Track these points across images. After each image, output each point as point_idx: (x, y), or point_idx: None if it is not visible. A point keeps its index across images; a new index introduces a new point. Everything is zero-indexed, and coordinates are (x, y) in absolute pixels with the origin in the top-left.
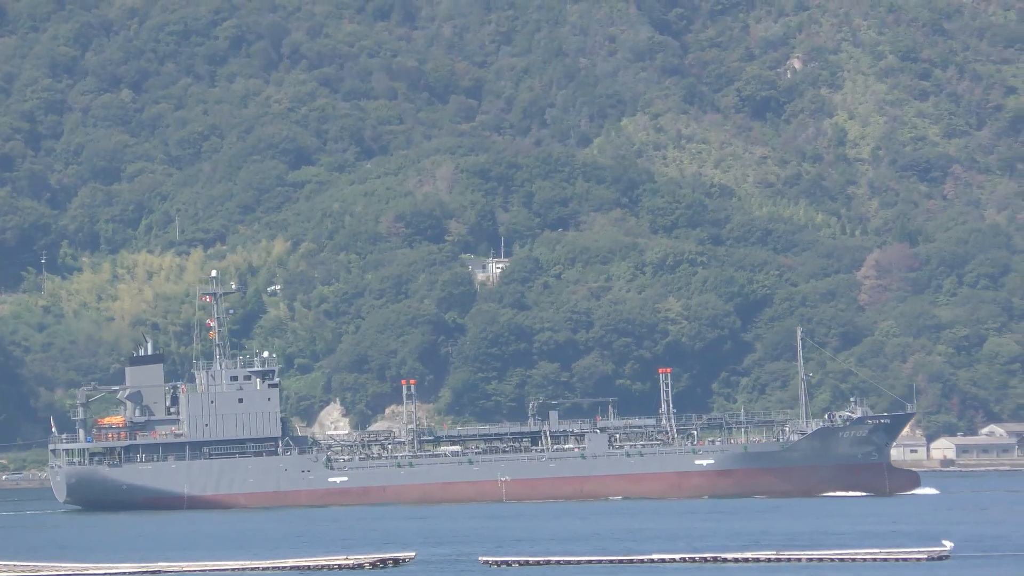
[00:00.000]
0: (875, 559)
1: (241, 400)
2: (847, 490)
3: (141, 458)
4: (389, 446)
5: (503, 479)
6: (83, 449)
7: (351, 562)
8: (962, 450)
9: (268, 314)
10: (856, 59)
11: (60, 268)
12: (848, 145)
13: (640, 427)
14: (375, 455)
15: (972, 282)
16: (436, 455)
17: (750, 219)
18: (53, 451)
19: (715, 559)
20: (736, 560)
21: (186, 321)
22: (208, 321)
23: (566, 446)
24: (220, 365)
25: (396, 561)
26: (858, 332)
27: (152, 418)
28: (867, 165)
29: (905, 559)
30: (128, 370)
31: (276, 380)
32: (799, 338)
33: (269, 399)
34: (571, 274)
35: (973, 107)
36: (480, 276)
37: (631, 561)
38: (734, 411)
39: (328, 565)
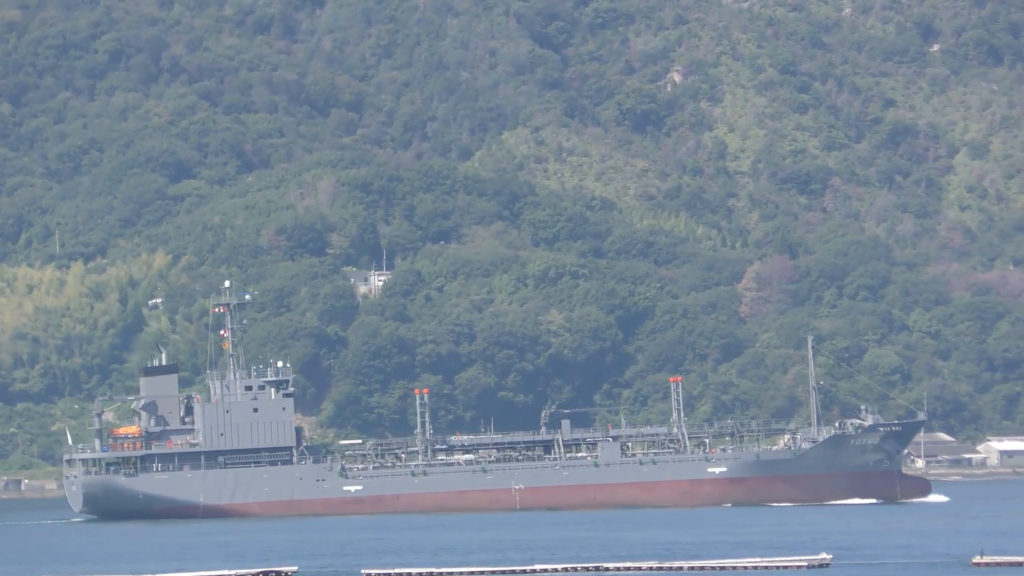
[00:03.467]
0: (756, 567)
1: (256, 410)
2: (859, 497)
3: (157, 467)
4: (403, 455)
5: (516, 487)
6: (99, 459)
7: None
8: None
9: (148, 327)
10: (736, 72)
11: None
12: (728, 158)
13: (652, 435)
14: (389, 464)
15: (852, 294)
16: (450, 464)
17: (631, 232)
18: (68, 461)
19: (596, 568)
20: (617, 569)
21: (66, 335)
22: (222, 332)
23: (579, 454)
24: (234, 375)
25: (278, 574)
26: (739, 344)
27: (167, 428)
28: (747, 178)
29: (785, 567)
30: (143, 380)
31: (290, 390)
32: (810, 346)
33: (284, 409)
34: (453, 287)
35: (852, 120)
36: (362, 289)
37: (512, 571)
38: (745, 420)
39: None
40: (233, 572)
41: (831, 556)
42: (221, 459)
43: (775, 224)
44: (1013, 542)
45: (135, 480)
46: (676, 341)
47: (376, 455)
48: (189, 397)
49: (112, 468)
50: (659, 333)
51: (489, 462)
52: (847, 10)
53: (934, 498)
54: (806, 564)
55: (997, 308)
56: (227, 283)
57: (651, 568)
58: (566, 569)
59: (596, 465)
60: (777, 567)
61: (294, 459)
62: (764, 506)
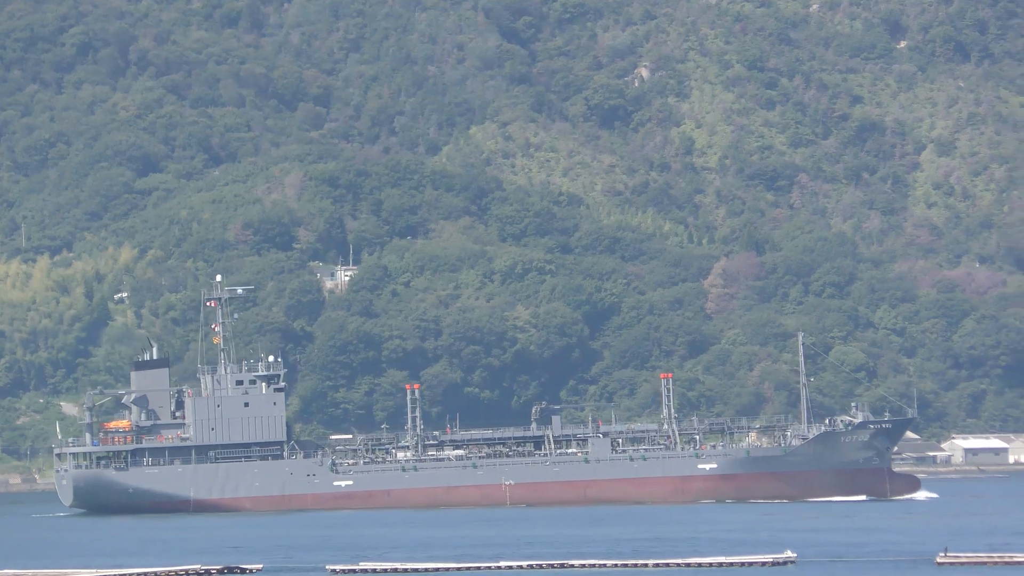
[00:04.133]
0: (721, 564)
1: (247, 404)
2: (848, 494)
3: (147, 462)
4: (393, 450)
5: (507, 483)
6: (89, 453)
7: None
8: None
9: (115, 321)
10: (703, 68)
11: None
12: (695, 154)
13: (643, 432)
14: (379, 459)
15: (818, 291)
16: (440, 459)
17: (598, 227)
18: (59, 455)
19: (561, 566)
20: (582, 566)
21: (32, 328)
22: (213, 326)
23: (569, 450)
24: (226, 369)
25: (243, 571)
26: (705, 340)
27: (158, 422)
28: (714, 174)
29: (750, 563)
30: (134, 374)
31: (282, 384)
32: (800, 343)
33: (275, 403)
34: (420, 282)
35: (819, 116)
36: (328, 284)
37: (477, 568)
38: (734, 417)
39: (175, 572)
40: (195, 568)
41: (795, 554)
42: (212, 453)
43: (742, 220)
44: (979, 540)
45: (125, 474)
46: (642, 337)
47: (367, 450)
48: (180, 391)
49: (103, 462)
50: (625, 329)
51: (480, 458)
52: (815, 6)
53: (923, 495)
54: (771, 562)
55: (963, 305)
56: (218, 277)
57: (615, 566)
58: (531, 567)
59: (586, 461)
60: (742, 564)
61: (285, 454)
62: (750, 503)
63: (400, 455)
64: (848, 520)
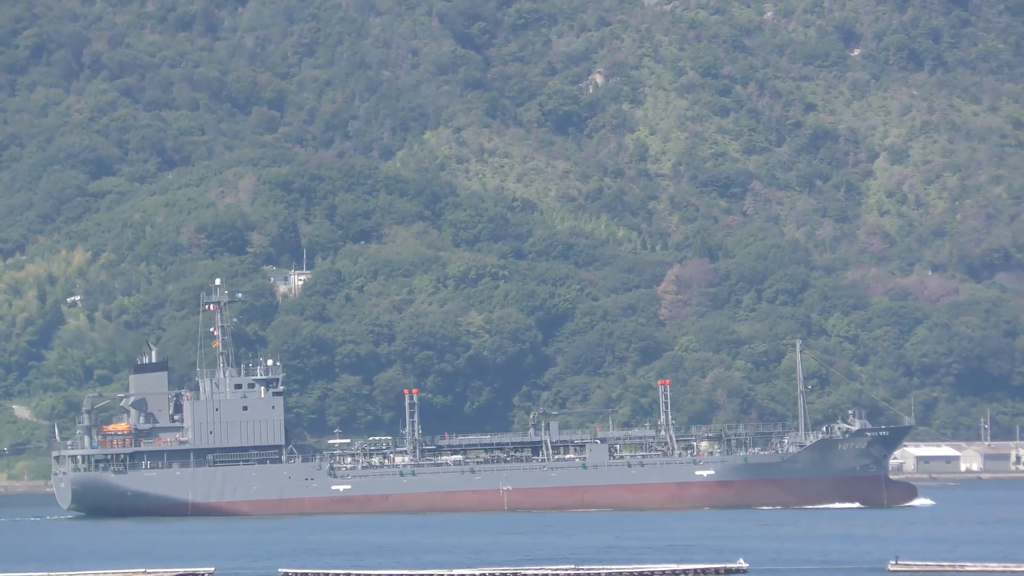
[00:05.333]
0: (674, 572)
1: (245, 408)
2: (845, 502)
3: (146, 465)
4: (391, 455)
5: (505, 488)
6: (88, 455)
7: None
8: None
9: (67, 324)
10: (657, 75)
11: None
12: (649, 160)
13: (640, 438)
14: (377, 464)
15: (771, 298)
16: (438, 464)
17: (552, 233)
18: (57, 458)
19: (515, 573)
20: (535, 574)
21: None
22: (212, 330)
23: (567, 456)
24: (224, 373)
25: (194, 575)
26: (658, 347)
27: (156, 425)
28: (668, 180)
29: (703, 571)
30: (132, 378)
31: (280, 388)
32: (798, 350)
33: (273, 407)
34: (373, 287)
35: (773, 123)
36: (282, 288)
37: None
38: (733, 423)
39: None
40: (141, 571)
41: (747, 563)
42: (210, 457)
43: (695, 227)
44: (933, 548)
45: (124, 477)
46: (596, 343)
47: (365, 455)
48: (179, 395)
49: (101, 465)
50: (579, 335)
51: (477, 463)
52: (769, 14)
53: (920, 502)
54: (722, 570)
55: (915, 313)
56: (217, 281)
57: (567, 571)
58: (483, 574)
59: (584, 467)
60: (694, 572)
61: (283, 458)
62: (741, 509)
63: (398, 460)
64: (808, 528)
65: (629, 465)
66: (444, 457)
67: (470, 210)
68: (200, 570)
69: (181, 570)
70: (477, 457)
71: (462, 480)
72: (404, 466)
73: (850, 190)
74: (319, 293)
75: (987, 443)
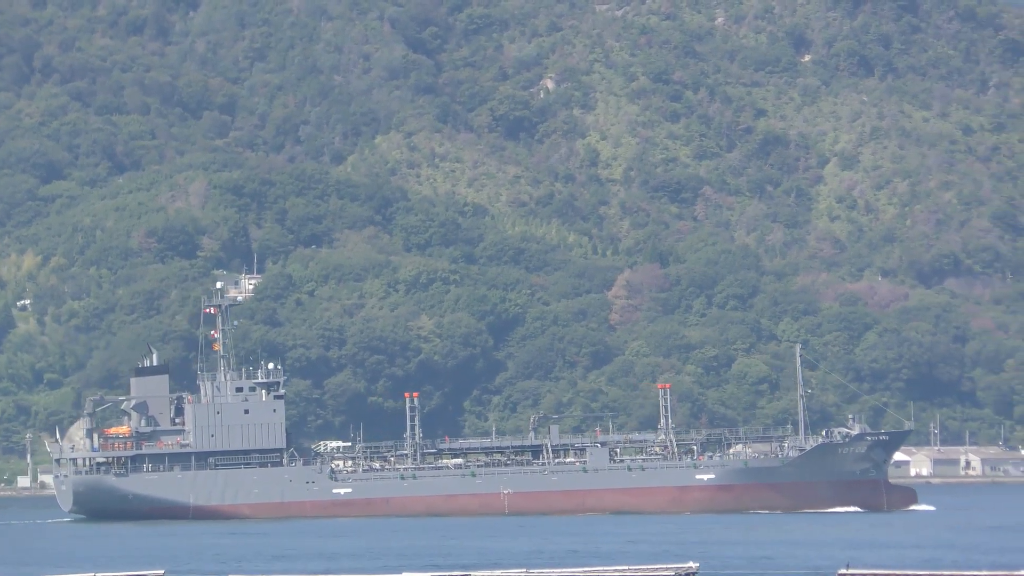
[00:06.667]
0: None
1: (247, 411)
2: (845, 506)
3: (147, 468)
4: (392, 458)
5: (505, 492)
6: (89, 458)
7: None
8: None
9: (17, 328)
10: (608, 80)
11: None
12: (600, 165)
13: (641, 442)
14: (379, 467)
15: (721, 303)
16: (439, 468)
17: (503, 238)
18: (58, 460)
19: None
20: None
21: None
22: (212, 333)
23: (567, 460)
24: (225, 376)
25: None
26: (609, 351)
27: (158, 428)
28: (619, 186)
29: (653, 574)
30: (133, 381)
31: (281, 392)
32: (798, 354)
33: (274, 410)
34: (324, 291)
35: (724, 129)
36: (232, 292)
37: None
38: (731, 427)
39: None
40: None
41: (697, 565)
42: (211, 460)
43: (646, 232)
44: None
45: (125, 480)
46: (546, 348)
47: (366, 458)
48: (180, 398)
49: (102, 468)
50: (529, 340)
51: (478, 466)
52: (720, 19)
53: (920, 507)
54: (672, 572)
55: (865, 319)
56: (219, 284)
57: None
58: None
59: (585, 471)
60: (643, 574)
61: (284, 461)
62: (736, 513)
63: (399, 463)
64: (755, 531)
65: (629, 469)
66: (445, 460)
67: (421, 215)
68: (150, 572)
69: (132, 574)
70: (478, 460)
71: (463, 483)
72: (405, 470)
73: (800, 196)
74: (270, 297)
75: (936, 448)
